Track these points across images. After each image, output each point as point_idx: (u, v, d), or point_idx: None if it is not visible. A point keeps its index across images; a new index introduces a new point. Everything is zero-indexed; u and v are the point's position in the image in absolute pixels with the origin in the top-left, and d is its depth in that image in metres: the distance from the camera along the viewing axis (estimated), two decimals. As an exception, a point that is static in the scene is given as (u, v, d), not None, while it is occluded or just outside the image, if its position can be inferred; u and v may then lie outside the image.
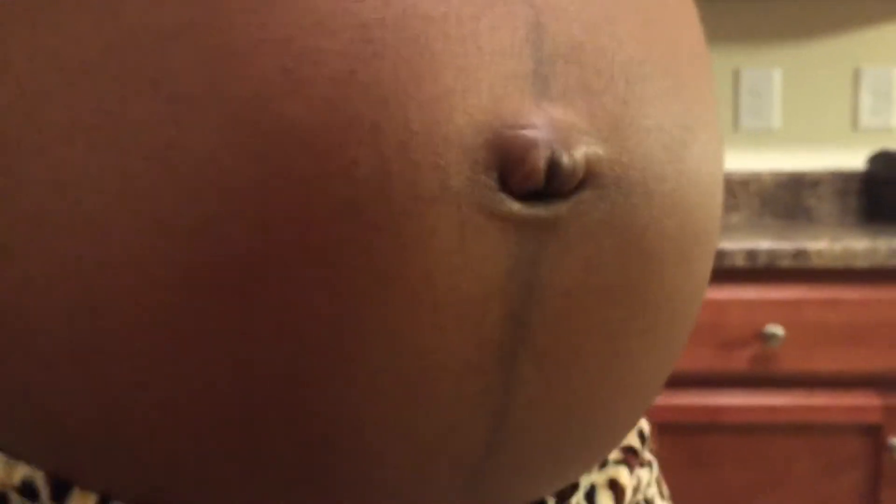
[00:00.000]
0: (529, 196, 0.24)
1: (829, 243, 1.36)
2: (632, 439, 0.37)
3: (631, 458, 0.36)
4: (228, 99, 0.21)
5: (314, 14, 0.21)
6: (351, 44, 0.22)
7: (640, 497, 0.37)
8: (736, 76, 1.85)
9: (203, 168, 0.21)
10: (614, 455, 0.36)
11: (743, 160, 1.87)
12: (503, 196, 0.23)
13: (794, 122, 1.86)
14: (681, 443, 1.41)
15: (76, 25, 0.22)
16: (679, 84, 0.27)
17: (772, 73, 1.85)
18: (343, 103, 0.21)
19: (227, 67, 0.21)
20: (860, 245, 1.35)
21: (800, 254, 1.35)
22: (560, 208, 0.24)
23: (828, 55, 1.84)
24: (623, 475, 0.35)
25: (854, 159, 1.86)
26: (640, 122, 0.25)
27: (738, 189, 1.86)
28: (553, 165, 0.23)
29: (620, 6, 0.26)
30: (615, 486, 0.34)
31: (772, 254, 1.35)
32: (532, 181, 0.23)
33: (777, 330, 1.36)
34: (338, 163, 0.21)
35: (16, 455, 0.26)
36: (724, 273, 1.39)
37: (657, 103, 0.26)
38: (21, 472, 0.26)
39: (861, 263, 1.35)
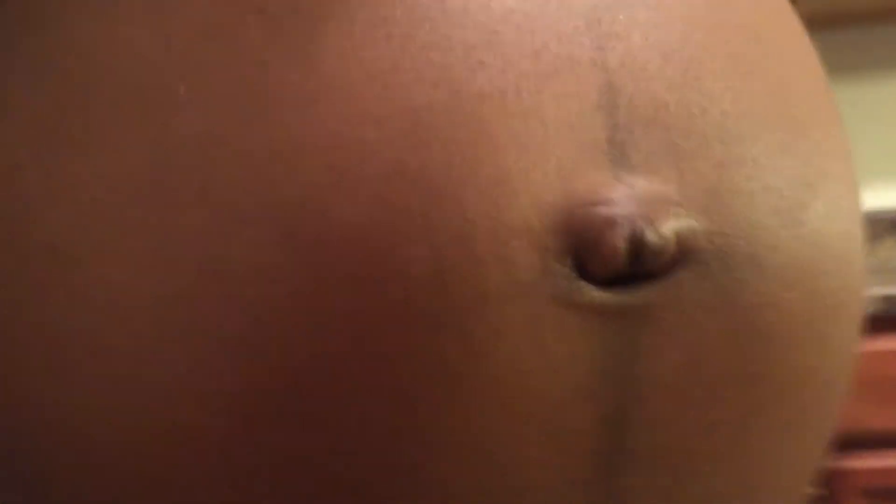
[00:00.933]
0: (614, 281, 0.21)
1: None
2: None
3: None
4: (275, 205, 0.20)
5: (358, 103, 0.20)
6: (399, 132, 0.20)
7: None
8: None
9: (253, 279, 0.20)
10: None
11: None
12: (582, 284, 0.20)
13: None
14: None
15: (124, 140, 0.21)
16: (793, 135, 0.24)
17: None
18: (393, 198, 0.20)
19: (273, 171, 0.20)
20: None
21: None
22: (652, 293, 0.21)
23: None
24: None
25: None
26: (742, 186, 0.22)
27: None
28: (637, 244, 0.20)
29: (711, 54, 0.23)
30: None
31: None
32: (613, 264, 0.20)
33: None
34: (391, 263, 0.20)
35: None
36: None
37: (764, 162, 0.23)
38: None
39: None
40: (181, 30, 0.21)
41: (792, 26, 0.27)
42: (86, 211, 0.21)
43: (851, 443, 1.14)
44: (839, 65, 1.44)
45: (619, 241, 0.20)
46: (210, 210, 0.20)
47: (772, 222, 0.23)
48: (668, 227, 0.21)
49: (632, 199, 0.21)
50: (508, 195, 0.20)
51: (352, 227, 0.20)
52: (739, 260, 0.22)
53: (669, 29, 0.23)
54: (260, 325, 0.20)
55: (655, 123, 0.22)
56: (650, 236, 0.20)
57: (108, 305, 0.21)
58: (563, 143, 0.21)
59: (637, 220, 0.20)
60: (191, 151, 0.21)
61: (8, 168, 0.22)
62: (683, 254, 0.21)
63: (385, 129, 0.20)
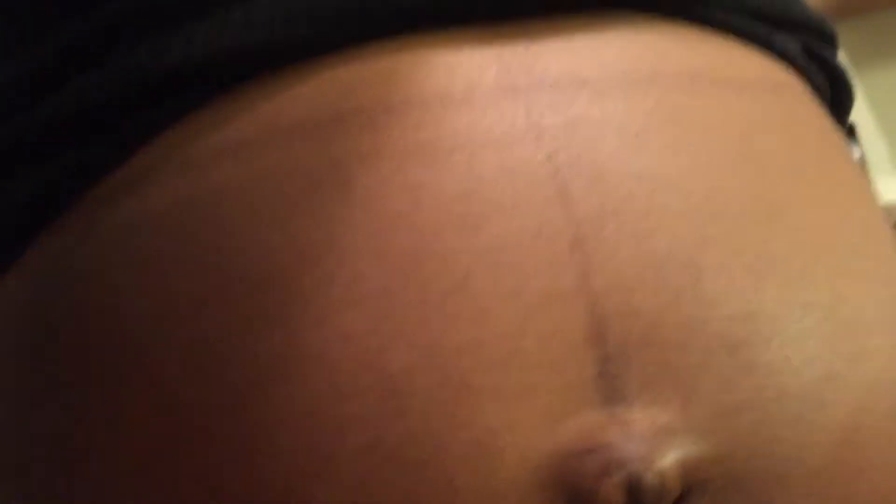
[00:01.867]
0: None
1: None
2: None
3: None
4: (264, 488, 0.19)
5: (337, 375, 0.19)
6: (376, 402, 0.19)
7: None
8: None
9: None
10: None
11: None
12: None
13: None
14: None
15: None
16: (817, 319, 0.22)
17: None
18: (371, 477, 0.19)
19: (259, 451, 0.19)
20: None
21: None
22: None
23: None
24: None
25: None
26: (754, 398, 0.21)
27: None
28: (634, 489, 0.19)
29: (715, 246, 0.21)
30: None
31: None
32: None
33: None
34: None
35: None
36: None
37: (779, 365, 0.21)
38: None
39: None
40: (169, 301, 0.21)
41: (834, 168, 0.25)
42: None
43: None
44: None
45: (614, 490, 0.19)
46: (205, 495, 0.20)
47: (793, 432, 0.21)
48: (669, 462, 0.20)
49: (627, 438, 0.20)
50: (493, 455, 0.19)
51: None
52: (758, 480, 0.21)
53: (665, 230, 0.21)
54: None
55: (650, 346, 0.20)
56: (648, 479, 0.19)
57: None
58: (549, 387, 0.20)
59: (633, 462, 0.19)
60: (189, 435, 0.20)
61: None
62: (691, 485, 0.20)
63: (361, 402, 0.19)
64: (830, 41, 0.30)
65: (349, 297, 0.20)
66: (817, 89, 0.28)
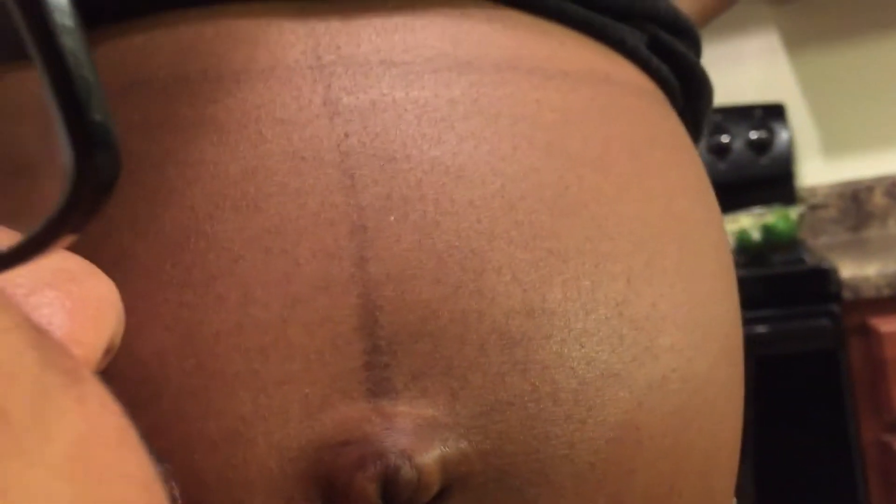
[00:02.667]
0: None
1: None
2: None
3: None
4: None
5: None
6: (127, 390, 0.19)
7: None
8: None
9: None
10: None
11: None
12: None
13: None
14: None
15: None
16: (603, 319, 0.22)
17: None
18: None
19: None
20: None
21: None
22: None
23: None
24: None
25: None
26: (525, 396, 0.21)
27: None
28: (390, 482, 0.19)
29: (502, 237, 0.21)
30: None
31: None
32: None
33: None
34: None
35: None
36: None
37: (553, 363, 0.21)
38: None
39: None
40: None
41: (655, 162, 0.25)
42: None
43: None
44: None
45: (368, 483, 0.19)
46: None
47: (563, 430, 0.21)
48: (430, 457, 0.20)
49: (388, 431, 0.19)
50: (244, 445, 0.19)
51: None
52: (524, 478, 0.20)
53: (451, 221, 0.21)
54: None
55: (423, 338, 0.20)
56: (404, 473, 0.19)
57: None
58: (311, 377, 0.19)
59: (391, 456, 0.19)
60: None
61: None
62: (453, 483, 0.20)
63: (115, 385, 0.19)
64: (686, 35, 0.29)
65: (111, 274, 0.19)
66: (662, 82, 0.28)
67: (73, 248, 0.19)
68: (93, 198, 0.10)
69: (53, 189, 0.10)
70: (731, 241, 1.15)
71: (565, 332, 0.21)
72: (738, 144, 1.32)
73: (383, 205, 0.20)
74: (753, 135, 1.32)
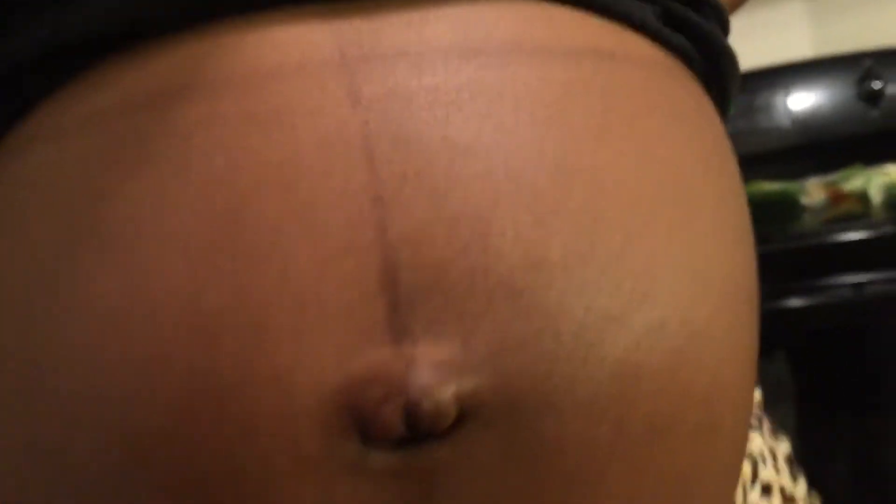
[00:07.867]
0: (406, 442, 0.23)
1: None
2: None
3: None
4: (104, 405, 0.23)
5: (160, 314, 0.23)
6: (189, 338, 0.23)
7: None
8: None
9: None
10: None
11: None
12: (368, 451, 0.23)
13: None
14: None
15: None
16: (600, 269, 0.24)
17: None
18: (190, 401, 0.23)
19: (101, 382, 0.24)
20: None
21: None
22: (440, 451, 0.23)
23: None
24: None
25: None
26: (530, 338, 0.24)
27: None
28: (412, 413, 0.23)
29: (506, 204, 0.24)
30: None
31: None
32: (390, 434, 0.23)
33: None
34: (187, 465, 0.23)
35: None
36: None
37: (555, 309, 0.24)
38: None
39: None
40: None
41: (657, 129, 0.27)
42: None
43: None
44: None
45: (393, 413, 0.23)
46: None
47: (566, 367, 0.24)
48: (447, 392, 0.23)
49: (410, 371, 0.23)
50: (289, 387, 0.23)
51: (155, 434, 0.23)
52: (531, 409, 0.24)
53: (460, 190, 0.24)
54: None
55: (437, 292, 0.23)
56: (424, 405, 0.23)
57: None
58: (343, 328, 0.23)
59: (412, 391, 0.23)
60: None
61: None
62: (468, 413, 0.23)
63: (180, 334, 0.23)
64: (704, 5, 0.31)
65: (176, 247, 0.23)
66: (678, 52, 0.30)
67: (142, 219, 0.23)
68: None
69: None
70: (880, 194, 1.09)
71: (565, 283, 0.24)
72: (893, 90, 1.25)
73: (400, 180, 0.24)
74: (909, 79, 1.24)
